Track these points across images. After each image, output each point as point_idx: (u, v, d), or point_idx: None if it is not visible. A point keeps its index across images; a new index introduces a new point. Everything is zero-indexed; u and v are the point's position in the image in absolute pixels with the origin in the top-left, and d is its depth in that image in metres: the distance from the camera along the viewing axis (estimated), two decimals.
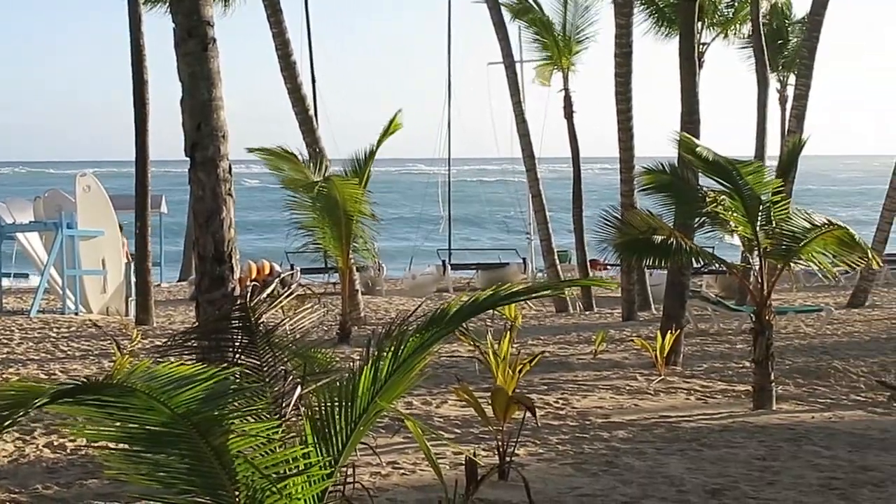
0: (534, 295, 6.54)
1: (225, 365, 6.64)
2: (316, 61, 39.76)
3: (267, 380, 7.53)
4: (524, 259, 42.54)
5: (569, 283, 7.68)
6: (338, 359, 9.56)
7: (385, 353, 6.24)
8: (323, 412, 6.37)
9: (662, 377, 17.03)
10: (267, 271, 35.57)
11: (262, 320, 8.01)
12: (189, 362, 7.08)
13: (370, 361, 6.29)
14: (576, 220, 31.86)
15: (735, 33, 39.22)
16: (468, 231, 74.50)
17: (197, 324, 9.99)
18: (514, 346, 18.05)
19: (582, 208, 31.75)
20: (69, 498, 10.13)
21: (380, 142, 24.25)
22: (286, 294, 8.46)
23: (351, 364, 6.89)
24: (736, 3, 37.44)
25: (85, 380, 5.87)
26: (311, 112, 28.84)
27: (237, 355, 7.92)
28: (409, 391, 15.17)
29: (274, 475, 6.09)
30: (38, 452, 11.87)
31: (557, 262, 32.04)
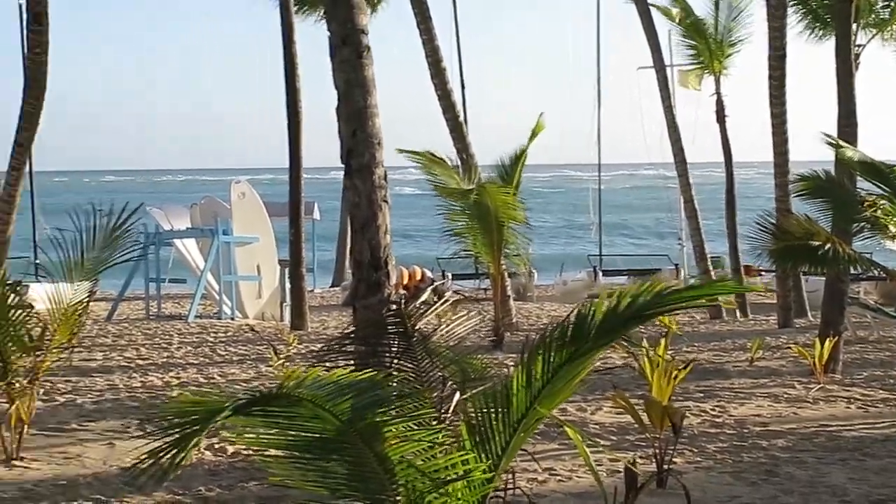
0: (684, 305, 6.41)
1: (386, 371, 6.69)
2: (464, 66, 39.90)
3: (426, 385, 7.56)
4: (676, 265, 42.18)
5: (720, 290, 7.38)
6: (492, 365, 9.56)
7: (538, 360, 6.20)
8: (481, 418, 6.37)
9: (821, 385, 16.71)
10: (418, 277, 35.74)
11: (417, 326, 8.04)
12: (346, 367, 7.15)
13: (524, 367, 6.26)
14: (729, 226, 31.52)
15: (892, 34, 38.40)
16: (618, 237, 74.06)
17: (352, 329, 10.05)
18: (669, 352, 17.92)
19: (735, 213, 31.38)
20: (231, 500, 10.28)
21: (526, 147, 24.15)
22: (441, 301, 8.47)
23: (505, 370, 6.88)
24: (892, 4, 36.65)
25: (256, 392, 5.96)
26: (461, 118, 28.87)
27: (394, 361, 7.96)
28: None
29: (436, 481, 6.11)
30: (199, 455, 12.06)
31: (711, 268, 31.68)
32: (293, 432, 5.99)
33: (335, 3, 11.71)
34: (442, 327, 8.32)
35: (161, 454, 5.39)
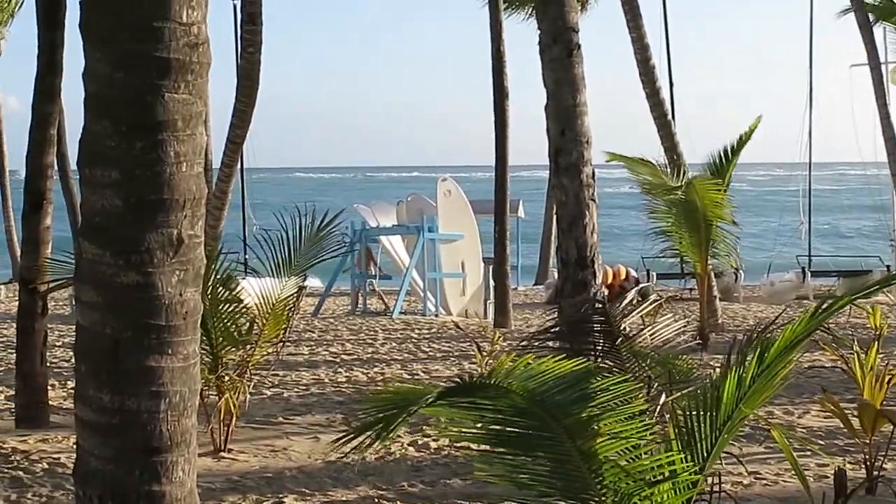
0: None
1: (598, 365, 6.67)
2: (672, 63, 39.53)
3: (634, 384, 7.53)
4: (888, 266, 41.07)
5: None
6: (696, 366, 9.46)
7: (749, 358, 6.11)
8: (687, 418, 6.30)
9: None
10: (623, 276, 35.52)
11: (622, 326, 8.02)
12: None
13: (734, 367, 6.18)
14: None
15: None
16: (828, 238, 72.47)
17: (555, 324, 10.05)
18: (881, 355, 17.45)
19: None
20: (433, 496, 10.37)
21: (740, 146, 23.76)
22: (648, 302, 8.43)
23: (710, 371, 6.79)
24: None
25: (462, 380, 6.01)
26: (669, 116, 28.59)
27: (598, 359, 7.95)
28: (770, 401, 14.94)
29: (642, 481, 6.06)
30: (403, 451, 12.21)
31: None
32: (498, 426, 6.00)
33: (546, 2, 11.76)
34: (647, 329, 8.27)
35: (364, 445, 5.47)
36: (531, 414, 5.83)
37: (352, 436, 5.53)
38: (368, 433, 5.51)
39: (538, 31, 11.76)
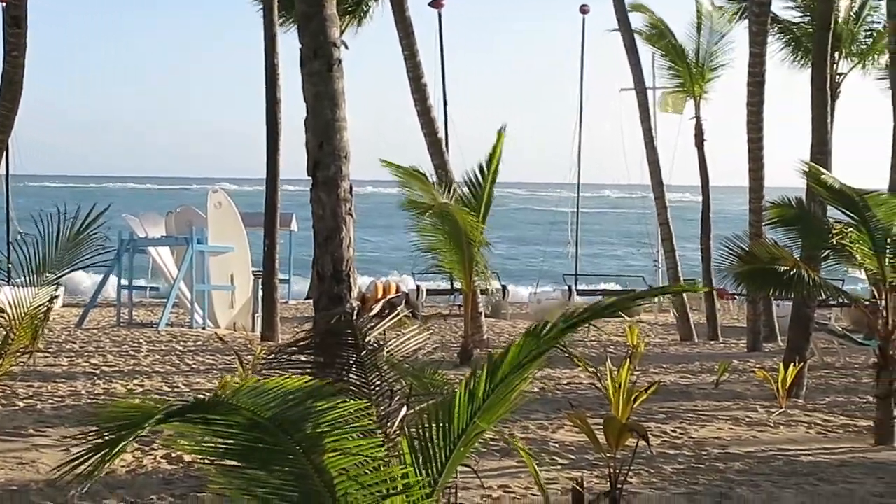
0: (626, 306, 6.43)
1: (329, 381, 6.69)
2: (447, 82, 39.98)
3: (373, 398, 7.58)
4: (650, 286, 42.25)
5: (658, 292, 7.59)
6: (456, 381, 9.57)
7: (480, 373, 6.21)
8: (422, 432, 6.38)
9: (783, 409, 16.78)
10: (393, 291, 35.75)
11: (368, 339, 8.06)
12: (297, 377, 7.15)
13: (467, 381, 6.27)
14: (704, 249, 31.59)
15: (873, 63, 38.61)
16: (595, 257, 74.15)
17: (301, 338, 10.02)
18: (636, 373, 17.98)
19: (710, 237, 31.44)
20: None
21: (490, 163, 23.63)
22: (391, 316, 8.49)
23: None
24: (874, 34, 36.86)
25: (194, 399, 5.96)
26: (441, 135, 28.85)
27: (344, 373, 7.98)
28: (525, 416, 15.24)
29: (374, 494, 6.11)
30: (155, 464, 12.06)
31: None
32: (232, 441, 5.98)
33: (308, 16, 11.77)
34: (391, 341, 8.33)
35: (85, 460, 5.37)
36: (264, 429, 5.82)
37: (76, 460, 5.40)
38: (93, 455, 5.39)
39: (300, 45, 11.76)
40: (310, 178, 11.46)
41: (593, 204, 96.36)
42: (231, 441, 5.96)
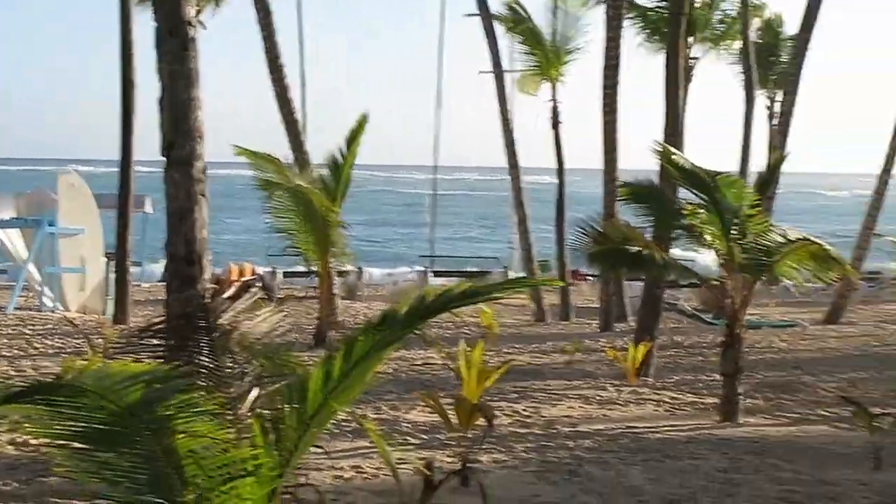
0: (480, 298, 6.53)
1: (177, 364, 6.67)
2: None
3: (222, 380, 7.57)
4: (505, 268, 42.60)
5: (513, 285, 7.64)
6: (311, 362, 9.58)
7: (336, 355, 6.25)
8: (275, 413, 6.40)
9: (633, 388, 17.10)
10: (249, 273, 35.50)
11: (221, 321, 8.05)
12: (148, 361, 7.13)
13: (323, 363, 6.31)
14: (558, 231, 31.87)
15: (727, 48, 39.39)
16: (453, 239, 74.57)
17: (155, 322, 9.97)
18: (490, 353, 18.14)
19: (563, 218, 31.72)
20: (27, 494, 10.15)
21: (350, 146, 23.72)
22: (245, 298, 8.48)
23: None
24: (728, 19, 37.60)
25: (37, 381, 5.91)
26: (298, 116, 28.71)
27: (196, 355, 7.96)
28: (378, 396, 15.32)
29: (223, 475, 6.12)
30: (0, 449, 11.88)
31: (539, 271, 32.10)
32: (79, 423, 5.93)
33: None
34: (244, 323, 8.33)
35: None
36: (110, 412, 5.80)
37: None
38: None
39: (154, 24, 11.64)
40: (164, 158, 11.36)
41: (453, 186, 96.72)
42: (79, 424, 5.93)
